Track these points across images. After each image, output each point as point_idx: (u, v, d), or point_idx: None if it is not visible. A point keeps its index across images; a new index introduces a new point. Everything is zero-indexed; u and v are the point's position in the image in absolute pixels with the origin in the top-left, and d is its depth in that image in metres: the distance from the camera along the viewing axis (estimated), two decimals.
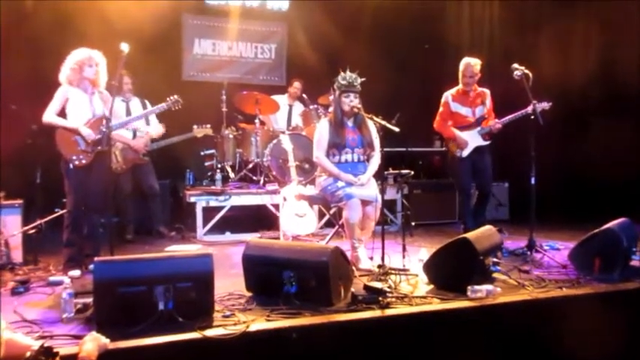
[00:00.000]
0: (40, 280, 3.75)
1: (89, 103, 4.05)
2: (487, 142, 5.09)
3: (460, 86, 5.13)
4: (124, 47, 3.68)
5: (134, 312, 2.65)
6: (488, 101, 5.17)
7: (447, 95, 5.18)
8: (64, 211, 4.39)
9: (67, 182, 4.01)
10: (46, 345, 2.08)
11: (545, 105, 4.68)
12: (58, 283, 3.40)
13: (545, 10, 6.81)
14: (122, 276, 2.73)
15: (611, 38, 6.23)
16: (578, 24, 6.50)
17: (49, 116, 3.98)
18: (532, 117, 4.56)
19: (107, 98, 4.06)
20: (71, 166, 3.96)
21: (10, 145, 5.12)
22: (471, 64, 5.03)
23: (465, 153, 5.06)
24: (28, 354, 1.99)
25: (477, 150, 5.09)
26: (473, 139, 5.06)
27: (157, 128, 5.39)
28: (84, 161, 3.98)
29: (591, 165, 6.03)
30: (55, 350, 2.08)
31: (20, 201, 4.40)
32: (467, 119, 5.11)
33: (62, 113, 4.03)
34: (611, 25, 6.24)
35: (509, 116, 4.90)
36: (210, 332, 2.59)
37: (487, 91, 5.20)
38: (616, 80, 6.08)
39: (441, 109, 5.20)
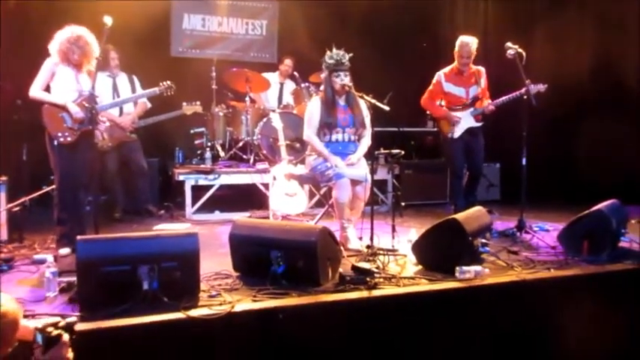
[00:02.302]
0: (25, 259, 3.70)
1: (75, 80, 3.95)
2: (479, 124, 5.03)
3: (455, 65, 5.02)
4: (107, 20, 3.57)
5: (118, 291, 2.60)
6: (483, 80, 5.06)
7: (440, 74, 5.07)
8: (50, 188, 4.33)
9: (53, 159, 3.94)
10: (68, 320, 2.06)
11: (541, 87, 4.59)
12: (43, 262, 3.35)
13: (540, 4, 6.75)
14: (106, 255, 2.68)
15: (607, 30, 6.18)
16: (575, 16, 6.42)
17: (36, 91, 3.88)
18: (525, 97, 4.52)
19: (93, 74, 3.97)
20: (56, 142, 3.88)
21: None
22: (468, 43, 4.88)
23: (457, 134, 4.99)
24: (46, 323, 1.97)
25: (470, 131, 5.02)
26: (465, 120, 4.99)
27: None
28: (69, 139, 3.90)
29: (583, 147, 6.03)
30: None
31: (5, 178, 4.32)
32: (460, 99, 5.02)
33: (47, 88, 3.94)
34: (608, 17, 6.19)
35: (503, 98, 4.84)
36: (194, 312, 2.56)
37: (482, 69, 5.09)
38: (610, 69, 6.05)
39: (430, 86, 5.11)
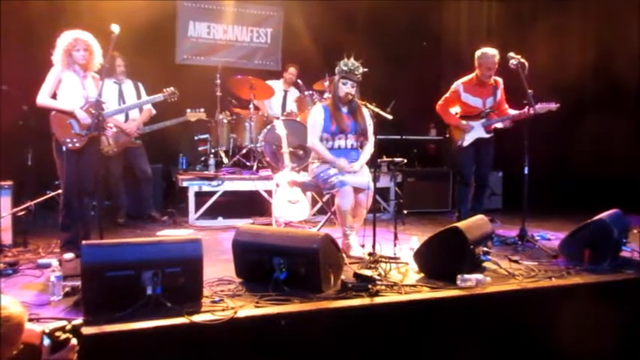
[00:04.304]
0: (29, 263, 3.73)
1: (81, 86, 3.99)
2: (489, 135, 5.10)
3: (474, 75, 5.07)
4: (115, 28, 3.62)
5: (122, 296, 2.63)
6: (499, 92, 5.12)
7: (459, 84, 5.13)
8: (55, 193, 4.37)
9: (59, 165, 3.98)
10: (74, 323, 2.07)
11: (553, 106, 4.64)
12: (47, 266, 3.38)
13: (542, 4, 6.78)
14: (110, 260, 2.71)
15: (607, 31, 6.20)
16: (575, 17, 6.46)
17: (43, 98, 3.93)
18: (527, 106, 4.56)
19: (99, 81, 4.01)
20: (64, 148, 3.91)
21: (1, 126, 5.07)
22: (494, 55, 4.92)
23: (467, 142, 5.06)
24: (53, 327, 1.99)
25: (479, 141, 5.10)
26: (476, 130, 5.07)
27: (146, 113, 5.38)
28: (77, 144, 3.94)
29: (584, 156, 6.04)
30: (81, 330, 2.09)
31: (10, 182, 4.36)
32: (476, 109, 5.10)
33: (53, 96, 3.98)
34: (608, 18, 6.22)
35: (513, 114, 4.90)
36: (197, 318, 2.58)
37: (500, 80, 5.13)
38: (611, 73, 6.06)
39: (447, 94, 5.18)
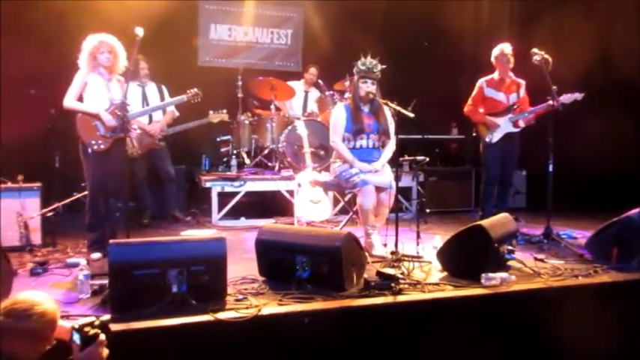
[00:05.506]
0: (58, 262, 3.82)
1: (106, 89, 4.06)
2: (517, 129, 5.08)
3: (496, 74, 5.09)
4: (139, 31, 3.68)
5: (148, 294, 2.68)
6: (523, 91, 5.15)
7: (482, 81, 5.17)
8: (82, 194, 4.46)
9: (86, 167, 4.05)
10: (102, 319, 2.11)
11: (578, 96, 4.58)
12: (76, 265, 3.46)
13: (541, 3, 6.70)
14: (137, 259, 2.76)
15: (612, 29, 6.09)
16: (578, 15, 6.35)
17: (70, 101, 4.01)
18: (551, 103, 4.50)
19: (124, 84, 4.08)
20: (90, 150, 3.99)
21: (30, 129, 5.19)
22: (504, 47, 5.00)
23: (496, 138, 5.05)
24: (82, 323, 2.03)
25: (507, 137, 5.07)
26: (504, 126, 5.04)
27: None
28: (102, 146, 4.01)
29: (609, 154, 5.92)
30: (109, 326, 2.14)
31: (39, 184, 4.47)
32: (501, 104, 5.09)
33: (79, 98, 4.06)
34: (613, 16, 6.11)
35: (537, 107, 4.86)
36: (222, 315, 2.62)
37: (522, 82, 5.17)
38: (616, 72, 5.95)
39: (474, 93, 5.20)
